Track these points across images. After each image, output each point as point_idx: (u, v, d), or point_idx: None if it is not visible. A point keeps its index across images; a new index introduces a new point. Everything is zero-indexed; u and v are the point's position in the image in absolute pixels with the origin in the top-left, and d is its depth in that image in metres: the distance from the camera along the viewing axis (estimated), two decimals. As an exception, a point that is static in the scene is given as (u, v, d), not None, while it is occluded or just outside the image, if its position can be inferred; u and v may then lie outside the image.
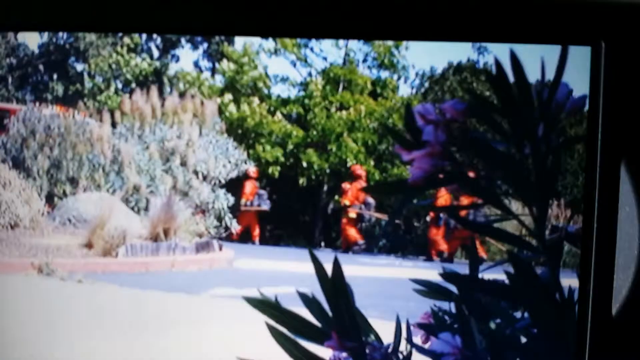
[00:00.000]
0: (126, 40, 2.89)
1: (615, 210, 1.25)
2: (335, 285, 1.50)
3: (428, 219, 2.87)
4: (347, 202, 2.96)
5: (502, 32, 1.29)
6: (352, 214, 2.94)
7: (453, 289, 1.56)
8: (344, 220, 2.97)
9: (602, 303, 1.25)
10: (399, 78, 2.86)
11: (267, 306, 1.52)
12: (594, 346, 1.26)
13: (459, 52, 2.32)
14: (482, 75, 2.24)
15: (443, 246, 2.82)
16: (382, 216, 2.98)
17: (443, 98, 2.57)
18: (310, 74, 2.94)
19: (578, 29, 1.27)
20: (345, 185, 2.96)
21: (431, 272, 1.60)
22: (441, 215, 2.78)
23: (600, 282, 1.25)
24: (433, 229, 2.83)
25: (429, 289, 1.59)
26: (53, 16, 1.26)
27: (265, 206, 2.97)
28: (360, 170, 2.93)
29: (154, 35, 2.90)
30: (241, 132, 2.92)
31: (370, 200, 2.95)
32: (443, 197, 2.70)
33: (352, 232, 2.95)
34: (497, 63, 1.54)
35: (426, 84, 2.71)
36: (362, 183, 2.93)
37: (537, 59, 1.51)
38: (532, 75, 1.52)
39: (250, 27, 1.31)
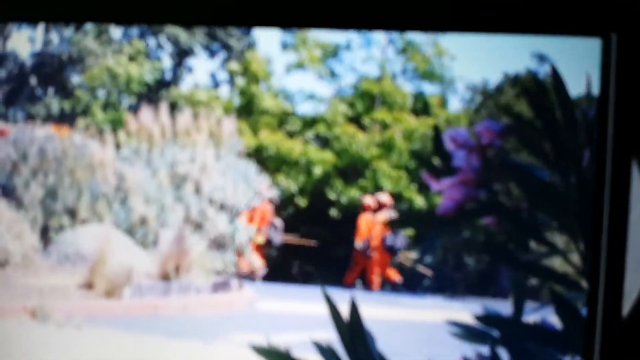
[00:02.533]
0: (127, 49, 2.69)
1: (626, 209, 1.24)
2: (352, 331, 1.42)
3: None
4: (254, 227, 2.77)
5: (512, 23, 1.27)
6: (260, 239, 2.75)
7: (493, 331, 1.47)
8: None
9: (613, 304, 1.25)
10: (444, 92, 2.67)
11: (277, 356, 1.46)
12: (604, 347, 1.25)
13: (516, 61, 2.03)
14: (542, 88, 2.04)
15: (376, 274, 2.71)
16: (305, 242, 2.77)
17: (499, 114, 2.32)
18: (339, 90, 2.75)
19: (588, 20, 1.25)
20: (252, 208, 2.76)
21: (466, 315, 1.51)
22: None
23: (610, 282, 1.24)
24: (378, 254, 2.70)
25: (467, 332, 1.50)
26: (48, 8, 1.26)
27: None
28: (266, 191, 2.75)
29: (163, 43, 2.69)
30: (262, 160, 2.73)
31: (277, 222, 2.76)
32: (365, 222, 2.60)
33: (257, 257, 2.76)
34: (555, 72, 1.42)
35: (478, 98, 2.50)
36: (266, 206, 2.76)
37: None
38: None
39: (265, 18, 1.29)
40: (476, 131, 1.48)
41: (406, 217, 2.54)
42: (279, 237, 2.73)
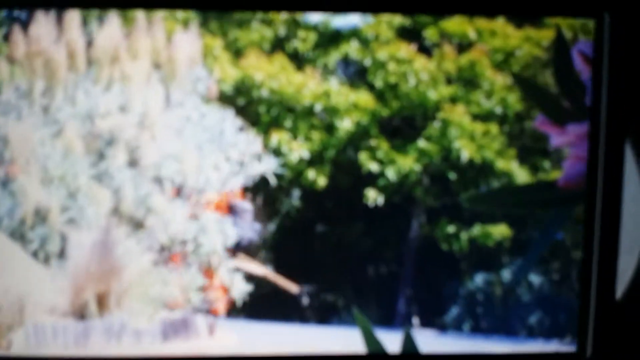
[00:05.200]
0: None
1: (619, 189, 1.31)
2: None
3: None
4: None
5: (505, 4, 1.36)
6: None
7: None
8: None
9: (606, 286, 1.33)
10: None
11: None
12: (597, 329, 1.33)
13: None
14: None
15: None
16: None
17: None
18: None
19: (582, 1, 1.34)
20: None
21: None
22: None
23: (604, 264, 1.33)
24: None
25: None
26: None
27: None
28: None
29: None
30: (248, 107, 1.98)
31: (245, 205, 2.01)
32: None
33: None
34: None
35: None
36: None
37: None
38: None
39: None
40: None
41: (500, 190, 1.89)
42: (249, 231, 1.97)
